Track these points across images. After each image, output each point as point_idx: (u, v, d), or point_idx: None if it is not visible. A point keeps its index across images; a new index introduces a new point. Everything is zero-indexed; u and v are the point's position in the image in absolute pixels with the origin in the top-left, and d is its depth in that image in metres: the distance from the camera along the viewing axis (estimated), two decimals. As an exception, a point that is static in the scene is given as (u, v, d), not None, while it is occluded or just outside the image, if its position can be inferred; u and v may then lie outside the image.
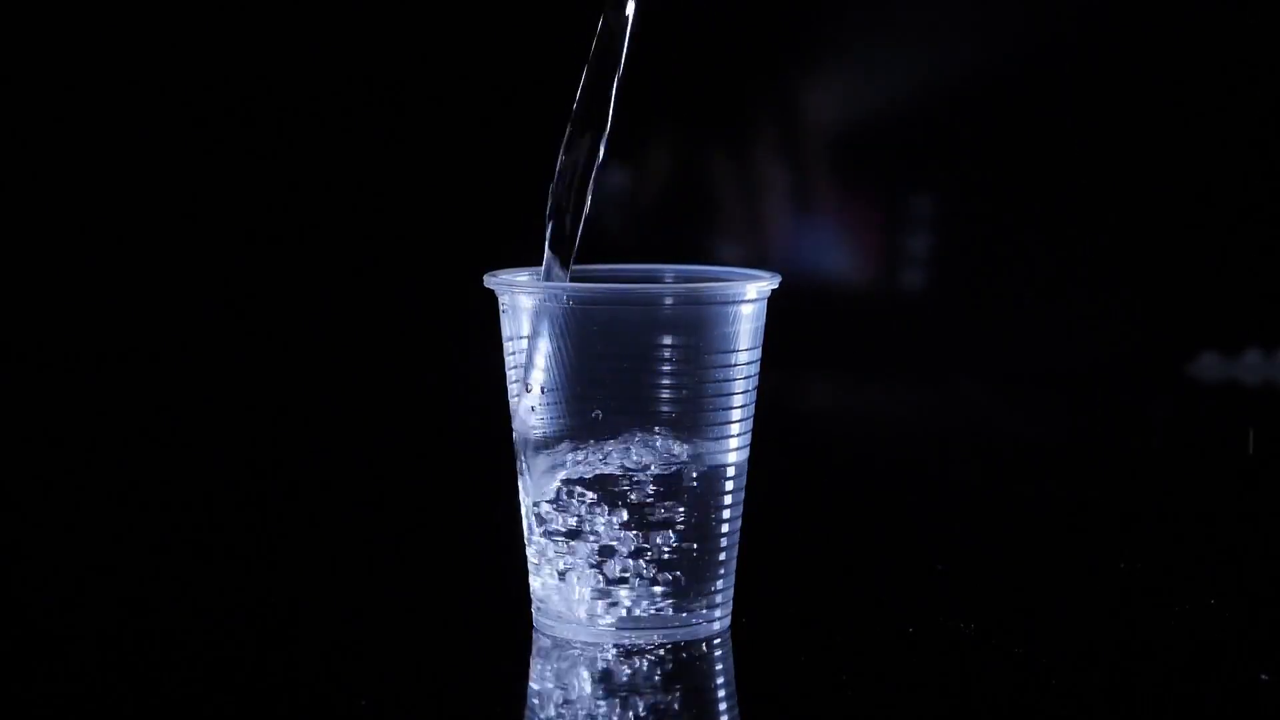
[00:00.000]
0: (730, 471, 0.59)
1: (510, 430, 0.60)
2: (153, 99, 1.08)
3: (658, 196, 1.08)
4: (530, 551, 0.60)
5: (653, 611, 0.59)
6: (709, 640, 0.59)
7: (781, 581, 0.66)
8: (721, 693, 0.56)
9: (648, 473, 0.58)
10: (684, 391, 0.58)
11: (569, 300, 0.58)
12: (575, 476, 0.58)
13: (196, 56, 1.08)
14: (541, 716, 0.55)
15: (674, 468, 0.58)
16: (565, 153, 0.60)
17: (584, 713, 0.54)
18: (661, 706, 0.55)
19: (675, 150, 1.10)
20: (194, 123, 1.08)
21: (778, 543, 0.70)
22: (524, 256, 0.65)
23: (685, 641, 0.59)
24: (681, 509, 0.58)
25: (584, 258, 0.63)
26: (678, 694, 0.56)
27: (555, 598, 0.59)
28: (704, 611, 0.59)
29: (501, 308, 0.60)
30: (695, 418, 0.58)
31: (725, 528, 0.59)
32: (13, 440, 0.93)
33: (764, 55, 1.10)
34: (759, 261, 1.11)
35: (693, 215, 1.11)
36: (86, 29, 1.07)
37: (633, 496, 0.58)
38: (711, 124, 1.11)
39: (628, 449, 0.58)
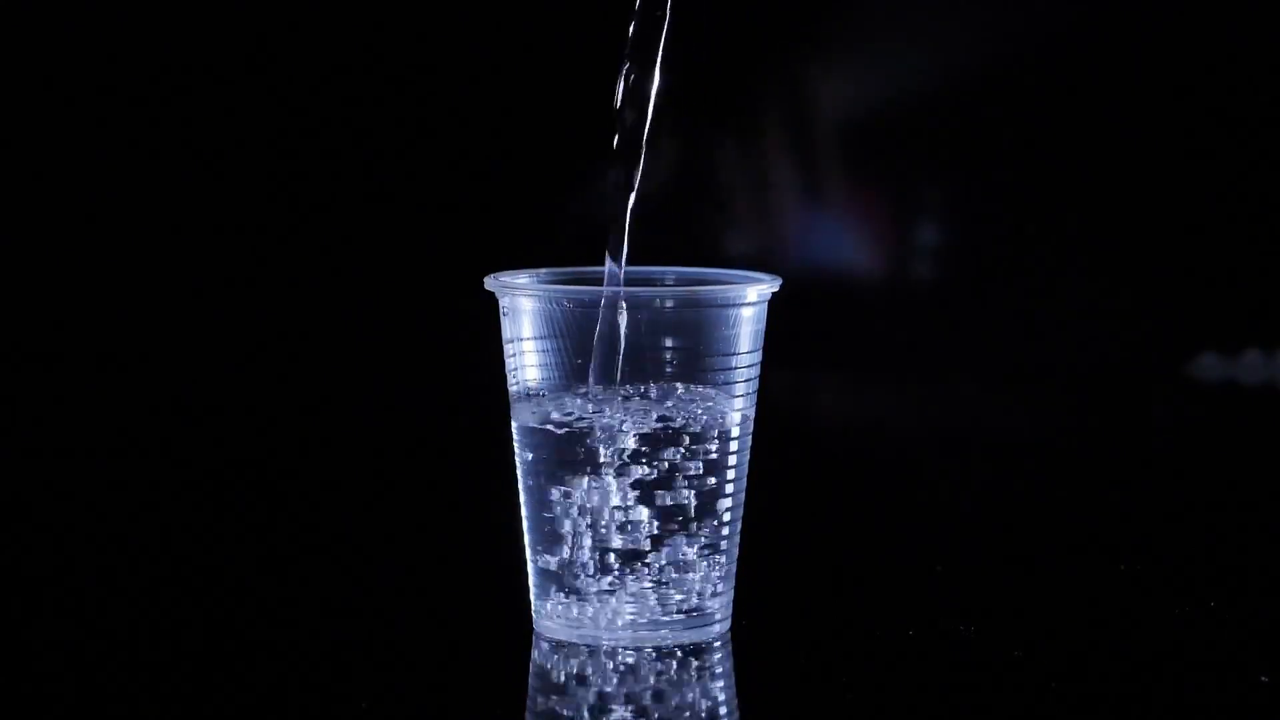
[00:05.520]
0: (730, 474, 0.59)
1: (510, 432, 0.60)
2: (152, 100, 1.08)
3: (664, 191, 1.08)
4: (534, 550, 0.60)
5: (653, 614, 0.59)
6: (709, 643, 0.59)
7: (781, 584, 0.66)
8: (721, 696, 0.56)
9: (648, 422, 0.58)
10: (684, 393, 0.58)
11: (568, 303, 0.58)
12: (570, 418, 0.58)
13: (196, 59, 1.08)
14: (540, 719, 0.55)
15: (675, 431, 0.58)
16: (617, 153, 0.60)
17: (583, 715, 0.55)
18: (661, 710, 0.55)
19: (682, 144, 1.10)
20: (195, 125, 1.08)
21: (776, 545, 0.70)
22: (524, 258, 0.65)
23: (685, 645, 0.59)
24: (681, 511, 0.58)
25: (587, 258, 0.63)
26: (677, 697, 0.56)
27: (557, 598, 0.59)
28: (704, 615, 0.59)
29: (502, 310, 0.60)
30: (694, 419, 0.58)
31: (725, 530, 0.59)
32: (11, 441, 0.93)
33: (772, 47, 1.11)
34: (764, 256, 1.11)
35: (700, 210, 1.11)
36: (87, 28, 1.07)
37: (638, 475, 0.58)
38: (719, 117, 1.11)
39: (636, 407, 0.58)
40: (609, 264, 0.60)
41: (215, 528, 0.75)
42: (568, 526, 0.58)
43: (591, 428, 0.58)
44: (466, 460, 0.88)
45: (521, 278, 0.61)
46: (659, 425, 0.58)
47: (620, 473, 0.58)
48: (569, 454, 0.58)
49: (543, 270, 0.62)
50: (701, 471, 0.58)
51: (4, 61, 1.07)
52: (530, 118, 1.10)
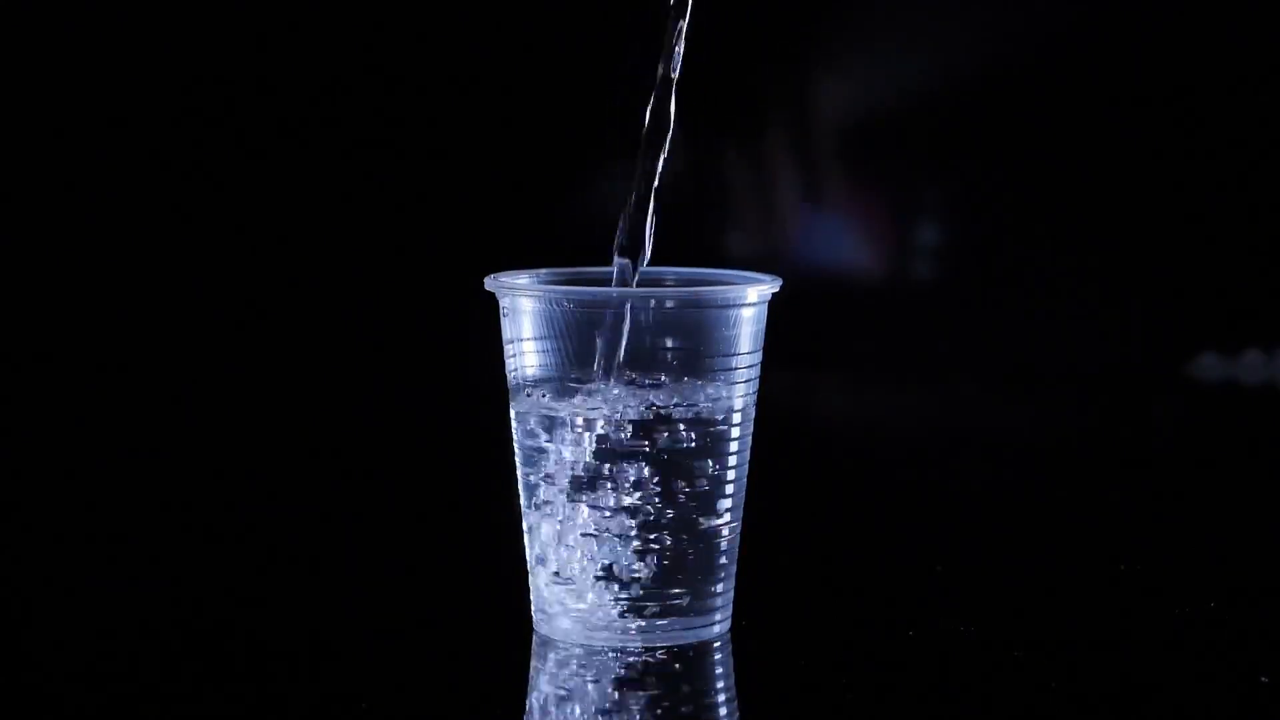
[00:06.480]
0: (730, 475, 0.59)
1: (510, 433, 0.60)
2: (152, 100, 1.08)
3: (665, 191, 1.08)
4: (533, 551, 0.60)
5: (652, 614, 0.59)
6: (709, 644, 0.59)
7: (781, 584, 0.66)
8: (721, 697, 0.56)
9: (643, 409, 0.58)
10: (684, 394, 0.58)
11: (569, 303, 0.58)
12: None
13: (196, 59, 1.08)
14: (540, 719, 0.55)
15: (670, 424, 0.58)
16: (639, 158, 0.61)
17: (583, 717, 0.55)
18: (660, 711, 0.55)
19: (683, 145, 1.10)
20: (195, 125, 1.08)
21: (776, 545, 0.70)
22: (524, 258, 0.65)
23: (685, 645, 0.59)
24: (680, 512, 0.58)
25: (588, 258, 0.63)
26: (677, 698, 0.56)
27: (557, 599, 0.59)
28: (704, 615, 0.59)
29: (502, 310, 0.60)
30: (695, 422, 0.58)
31: (725, 530, 0.59)
32: (11, 441, 0.93)
33: (772, 48, 1.11)
34: (765, 257, 1.11)
35: (701, 211, 1.12)
36: (87, 29, 1.07)
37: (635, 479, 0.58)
38: (720, 118, 1.11)
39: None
40: (618, 261, 0.60)
41: (215, 527, 0.75)
42: (566, 524, 0.58)
43: (589, 419, 0.58)
44: (466, 460, 0.88)
45: (521, 278, 0.61)
46: (658, 413, 0.58)
47: (619, 468, 0.58)
48: (567, 448, 0.58)
49: (543, 270, 0.62)
50: (700, 469, 0.58)
51: (4, 61, 1.07)
52: (530, 118, 1.10)
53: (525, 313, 0.59)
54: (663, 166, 0.61)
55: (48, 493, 0.81)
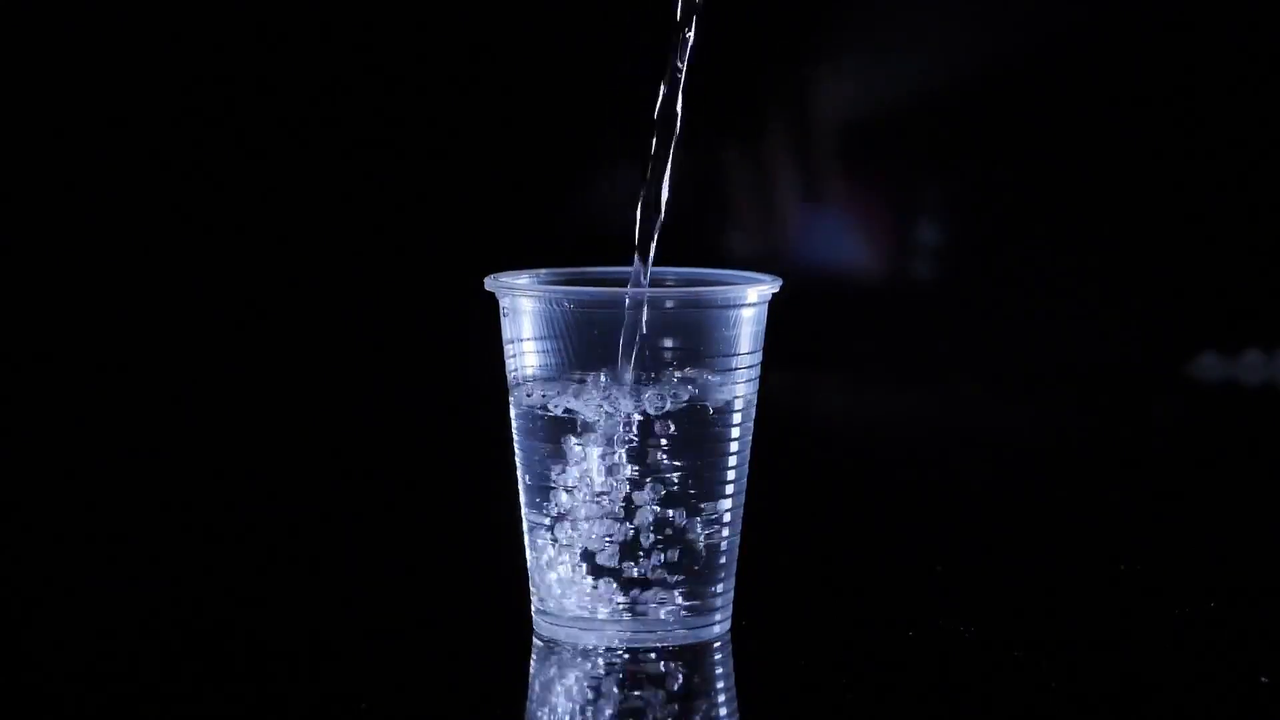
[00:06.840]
0: (730, 475, 0.59)
1: (510, 433, 0.60)
2: (152, 100, 1.08)
3: (668, 193, 1.08)
4: (534, 551, 0.60)
5: (653, 614, 0.59)
6: (709, 644, 0.59)
7: (781, 584, 0.66)
8: (721, 697, 0.56)
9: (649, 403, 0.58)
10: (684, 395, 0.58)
11: (569, 303, 0.58)
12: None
13: (197, 59, 1.08)
14: None
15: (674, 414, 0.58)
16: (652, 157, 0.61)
17: (583, 717, 0.55)
18: (661, 711, 0.55)
19: (683, 145, 1.10)
20: (195, 125, 1.08)
21: (776, 545, 0.70)
22: (524, 258, 0.65)
23: (684, 645, 0.59)
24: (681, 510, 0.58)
25: (589, 259, 0.63)
26: (677, 698, 0.56)
27: (556, 598, 0.59)
28: (704, 615, 0.59)
29: (502, 310, 0.60)
30: (695, 422, 0.58)
31: (725, 530, 0.59)
32: (11, 441, 0.93)
33: (773, 48, 1.11)
34: (765, 257, 1.11)
35: (702, 211, 1.12)
36: (87, 28, 1.07)
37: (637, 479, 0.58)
38: (720, 118, 1.11)
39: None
40: (636, 264, 0.60)
41: (215, 527, 0.75)
42: (566, 524, 0.58)
43: (592, 418, 0.58)
44: (466, 460, 0.88)
45: (521, 278, 0.61)
46: (657, 412, 0.58)
47: (619, 469, 0.58)
48: (568, 447, 0.58)
49: (543, 270, 0.62)
50: (700, 469, 0.58)
51: (4, 61, 1.07)
52: (531, 118, 1.10)
53: (525, 313, 0.59)
54: (671, 165, 0.61)
55: (48, 493, 0.81)
